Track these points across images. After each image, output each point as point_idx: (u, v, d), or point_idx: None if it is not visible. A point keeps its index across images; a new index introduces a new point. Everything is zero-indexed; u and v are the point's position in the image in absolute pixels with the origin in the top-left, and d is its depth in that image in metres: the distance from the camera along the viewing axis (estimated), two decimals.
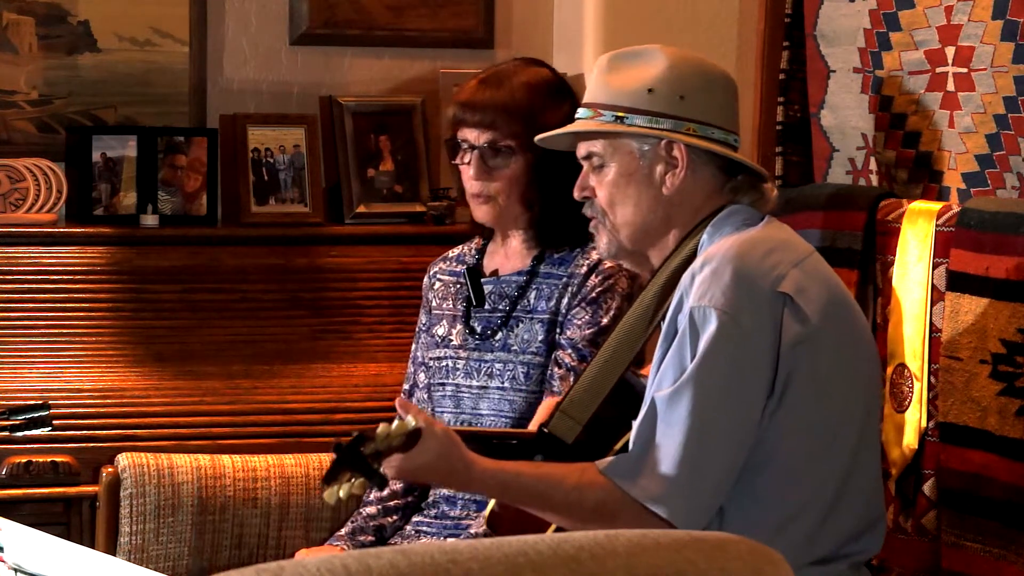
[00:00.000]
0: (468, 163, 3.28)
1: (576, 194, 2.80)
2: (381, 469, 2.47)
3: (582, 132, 2.76)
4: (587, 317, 3.23)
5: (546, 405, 2.96)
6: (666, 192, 2.71)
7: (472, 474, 2.60)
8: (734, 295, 2.54)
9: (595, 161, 2.75)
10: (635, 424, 2.61)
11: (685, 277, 2.62)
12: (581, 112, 2.78)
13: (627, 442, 2.68)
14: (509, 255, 3.37)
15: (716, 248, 2.61)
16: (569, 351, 3.22)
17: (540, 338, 3.26)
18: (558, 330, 3.26)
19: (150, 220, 3.85)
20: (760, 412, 2.56)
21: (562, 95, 3.33)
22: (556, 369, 3.22)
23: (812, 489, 2.60)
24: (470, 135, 3.28)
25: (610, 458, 2.60)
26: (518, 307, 3.30)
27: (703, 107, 2.72)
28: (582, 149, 2.78)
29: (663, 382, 2.57)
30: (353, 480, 2.44)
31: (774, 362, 2.56)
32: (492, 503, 2.81)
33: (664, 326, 2.65)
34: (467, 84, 3.35)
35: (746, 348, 2.54)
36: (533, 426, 2.91)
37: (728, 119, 2.76)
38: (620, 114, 2.71)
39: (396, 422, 2.50)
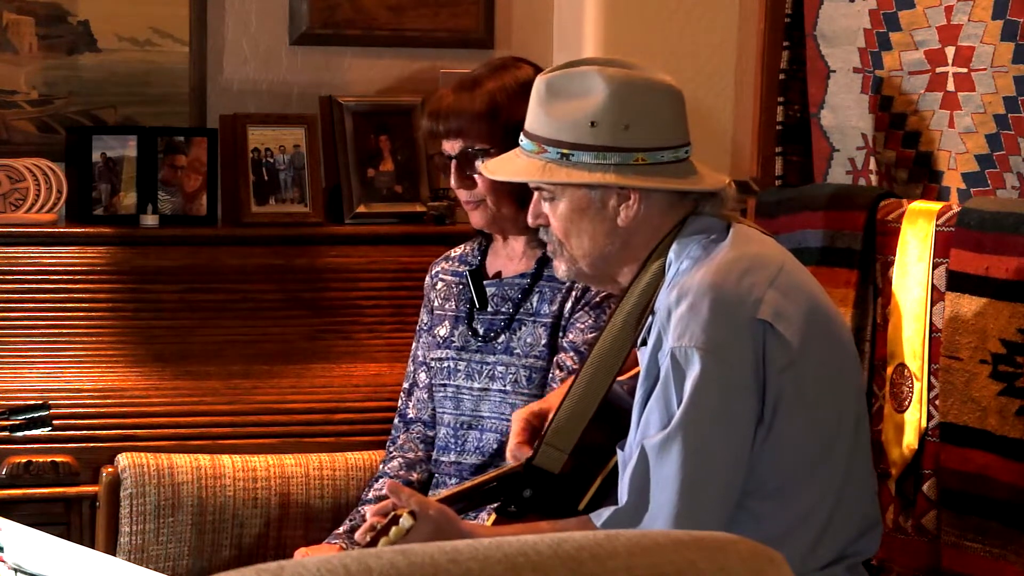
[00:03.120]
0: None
1: (530, 221, 2.76)
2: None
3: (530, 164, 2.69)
4: (590, 321, 3.23)
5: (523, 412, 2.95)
6: (621, 224, 2.66)
7: None
8: (713, 330, 2.51)
9: (545, 194, 2.71)
10: (626, 470, 2.58)
11: (661, 311, 2.58)
12: (524, 143, 2.70)
13: (614, 465, 2.67)
14: (512, 257, 3.37)
15: (690, 279, 2.56)
16: (571, 354, 3.21)
17: (543, 342, 3.26)
18: (560, 333, 3.26)
19: (150, 220, 3.85)
20: (751, 443, 2.55)
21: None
22: (558, 372, 3.22)
23: (808, 506, 2.59)
24: (446, 146, 3.28)
25: (607, 510, 2.57)
26: (521, 310, 3.30)
27: (649, 132, 2.64)
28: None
29: (650, 428, 2.55)
30: None
31: (760, 391, 2.54)
32: (493, 517, 2.80)
33: (645, 360, 2.62)
34: (436, 95, 3.35)
35: (731, 384, 2.52)
36: (521, 420, 2.90)
37: (676, 134, 2.67)
38: (565, 151, 2.64)
39: (393, 530, 2.51)
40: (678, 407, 2.52)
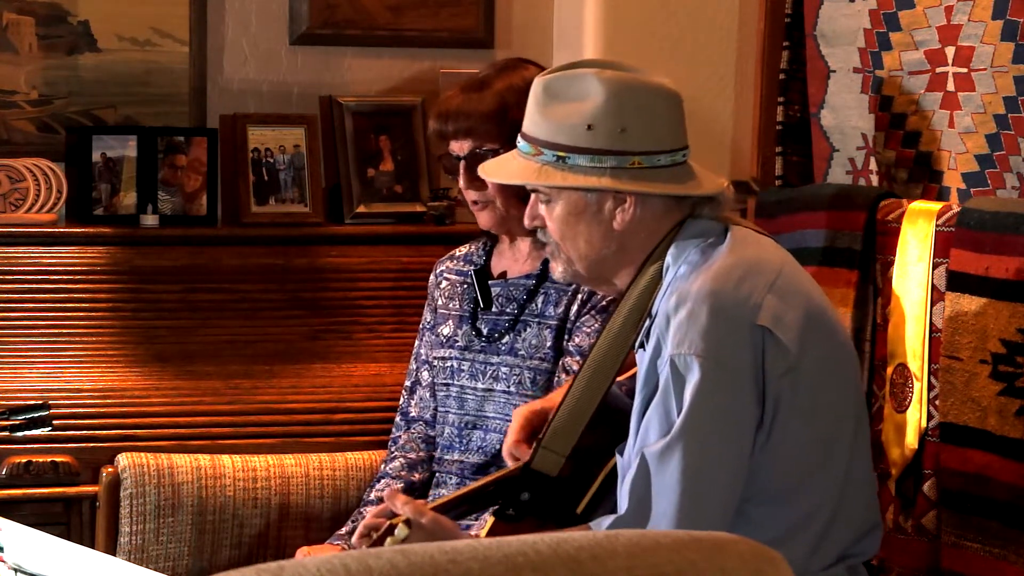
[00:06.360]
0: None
1: (527, 223, 2.76)
2: None
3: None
4: (596, 325, 3.22)
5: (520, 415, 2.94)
6: (616, 227, 2.65)
7: None
8: (713, 337, 2.50)
9: (542, 196, 2.70)
10: (625, 478, 2.57)
11: (660, 317, 2.58)
12: (521, 145, 2.70)
13: (613, 467, 2.67)
14: (517, 257, 3.37)
15: (688, 285, 2.56)
16: (578, 358, 3.20)
17: (548, 344, 3.25)
18: (566, 336, 3.25)
19: (150, 220, 3.85)
20: (751, 449, 2.54)
21: None
22: (564, 376, 3.21)
23: (808, 510, 2.59)
24: (455, 146, 3.28)
25: (607, 519, 2.57)
26: (526, 311, 3.30)
27: (646, 136, 2.63)
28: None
29: (649, 435, 2.54)
30: None
31: (760, 397, 2.53)
32: (491, 520, 2.80)
33: (644, 365, 2.61)
34: (444, 96, 3.36)
35: (731, 390, 2.51)
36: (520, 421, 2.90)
37: (673, 137, 2.66)
38: (561, 153, 2.63)
39: (388, 541, 2.52)
40: (678, 415, 2.51)
